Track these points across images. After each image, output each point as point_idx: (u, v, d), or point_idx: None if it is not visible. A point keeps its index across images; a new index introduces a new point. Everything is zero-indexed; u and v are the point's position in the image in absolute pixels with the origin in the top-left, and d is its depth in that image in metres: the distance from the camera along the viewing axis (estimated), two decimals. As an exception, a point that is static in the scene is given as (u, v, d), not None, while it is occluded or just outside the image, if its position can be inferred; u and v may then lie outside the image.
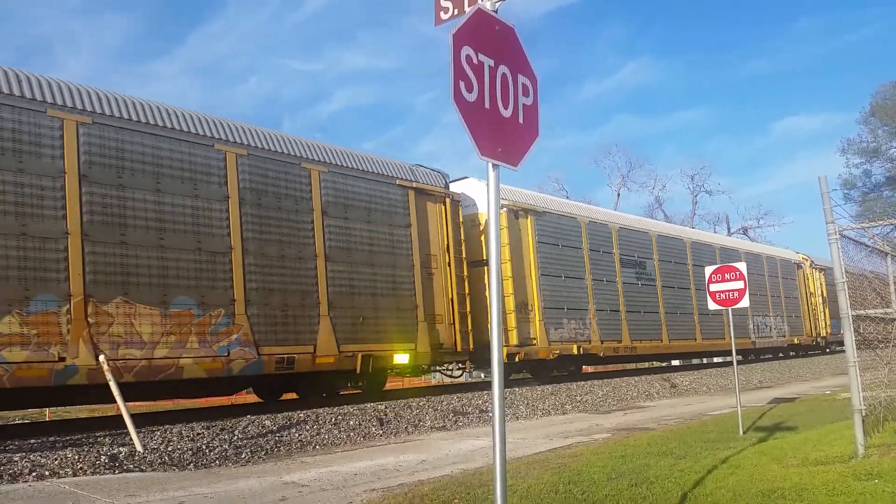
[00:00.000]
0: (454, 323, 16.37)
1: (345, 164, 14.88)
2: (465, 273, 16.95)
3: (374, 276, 14.76)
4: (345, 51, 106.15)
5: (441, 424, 12.82)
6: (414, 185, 16.14)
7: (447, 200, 16.82)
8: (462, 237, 17.17)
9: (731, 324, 10.55)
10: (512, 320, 17.92)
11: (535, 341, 18.54)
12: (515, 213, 18.40)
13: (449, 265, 16.49)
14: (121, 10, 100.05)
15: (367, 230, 14.91)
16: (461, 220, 17.26)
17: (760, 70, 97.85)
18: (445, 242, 16.52)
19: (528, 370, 20.89)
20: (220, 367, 12.08)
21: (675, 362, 33.03)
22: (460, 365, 18.29)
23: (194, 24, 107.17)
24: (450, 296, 16.35)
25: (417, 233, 15.92)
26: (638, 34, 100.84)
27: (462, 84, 2.92)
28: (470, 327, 16.74)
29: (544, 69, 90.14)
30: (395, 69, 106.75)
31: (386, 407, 13.17)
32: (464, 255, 17.09)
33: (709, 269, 10.54)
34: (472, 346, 16.70)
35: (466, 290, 16.81)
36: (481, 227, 18.02)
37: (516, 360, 18.15)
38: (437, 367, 17.93)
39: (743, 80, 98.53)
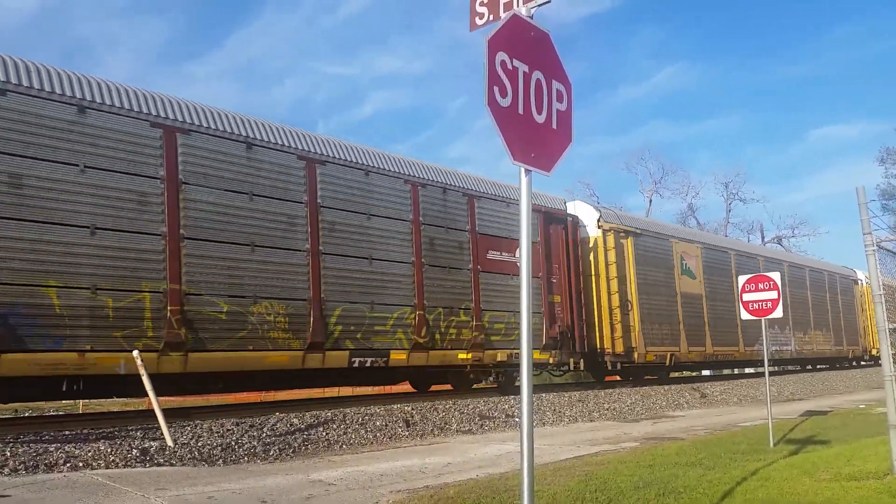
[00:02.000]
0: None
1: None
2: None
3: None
4: (379, 54, 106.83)
5: (467, 428, 12.81)
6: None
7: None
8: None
9: (765, 334, 10.40)
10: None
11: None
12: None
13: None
14: (159, 12, 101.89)
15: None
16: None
17: (798, 76, 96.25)
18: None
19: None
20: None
21: (706, 372, 32.73)
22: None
23: (231, 27, 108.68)
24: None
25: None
26: (673, 38, 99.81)
27: (496, 89, 2.93)
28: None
29: (578, 74, 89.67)
30: (427, 73, 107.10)
31: (412, 409, 13.21)
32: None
33: (742, 279, 10.41)
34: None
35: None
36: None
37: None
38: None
39: (780, 86, 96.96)
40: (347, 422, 11.72)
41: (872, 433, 10.63)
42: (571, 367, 19.90)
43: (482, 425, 13.13)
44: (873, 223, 6.67)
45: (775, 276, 10.08)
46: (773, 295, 9.89)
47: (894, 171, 51.65)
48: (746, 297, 10.15)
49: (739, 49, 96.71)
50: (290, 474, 8.10)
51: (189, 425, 10.43)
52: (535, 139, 3.14)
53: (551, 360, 18.31)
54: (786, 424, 12.55)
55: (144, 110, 11.36)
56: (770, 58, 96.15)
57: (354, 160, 14.35)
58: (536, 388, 19.94)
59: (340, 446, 10.69)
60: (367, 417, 12.12)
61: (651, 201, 55.33)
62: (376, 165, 14.73)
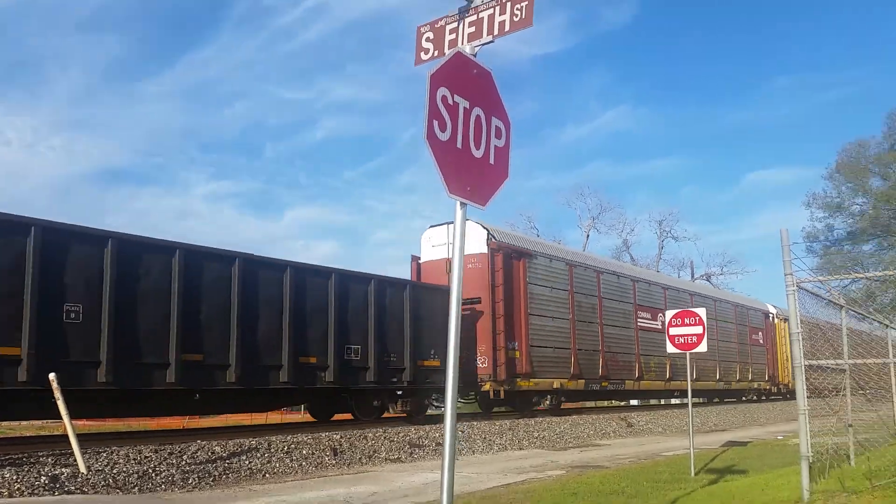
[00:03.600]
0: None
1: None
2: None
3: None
4: (334, 81, 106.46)
5: (396, 456, 12.67)
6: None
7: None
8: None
9: (689, 367, 10.70)
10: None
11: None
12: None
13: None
14: (114, 30, 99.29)
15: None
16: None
17: (737, 123, 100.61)
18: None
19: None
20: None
21: (634, 402, 33.35)
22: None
23: (186, 48, 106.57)
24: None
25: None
26: (619, 83, 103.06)
27: (436, 123, 2.95)
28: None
29: (527, 111, 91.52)
30: (382, 102, 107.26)
31: (341, 437, 12.98)
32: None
33: (669, 314, 10.71)
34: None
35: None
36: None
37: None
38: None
39: (719, 131, 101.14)
40: (272, 450, 11.42)
41: (788, 463, 11.01)
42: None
43: (412, 454, 13.01)
44: (795, 264, 6.99)
45: (701, 311, 10.41)
46: (698, 330, 10.20)
47: (818, 215, 54.28)
48: (673, 331, 10.44)
49: (682, 95, 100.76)
50: (209, 504, 7.82)
51: (105, 451, 9.96)
52: (472, 173, 3.16)
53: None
54: (707, 454, 12.88)
55: (566, 258, 22.75)
56: (711, 105, 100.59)
57: (590, 265, 24.03)
58: (469, 417, 19.91)
59: (264, 475, 10.39)
60: (293, 446, 11.83)
61: (588, 236, 56.59)
62: (603, 268, 24.70)
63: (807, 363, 6.98)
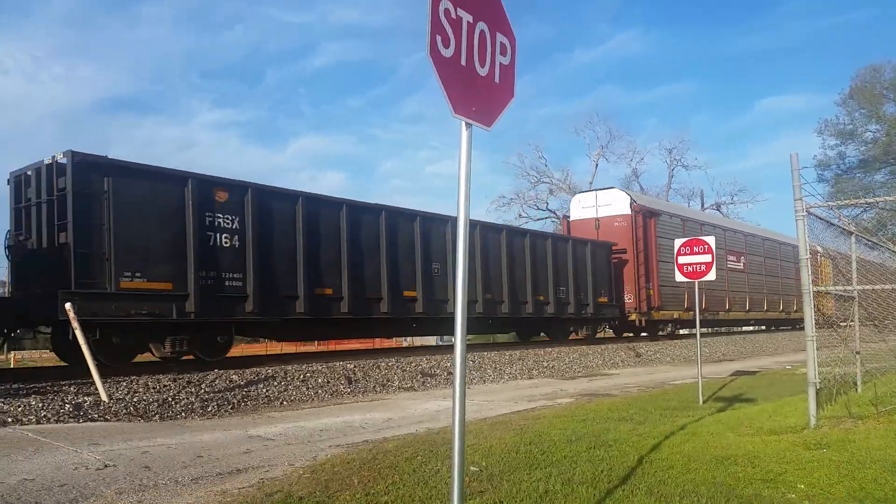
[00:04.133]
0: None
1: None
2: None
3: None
4: (335, 4, 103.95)
5: (409, 385, 12.94)
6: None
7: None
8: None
9: (697, 295, 10.72)
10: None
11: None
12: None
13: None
14: None
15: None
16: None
17: (749, 47, 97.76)
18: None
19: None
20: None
21: (722, 329, 35.60)
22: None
23: None
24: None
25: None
26: (631, 3, 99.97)
27: (439, 39, 2.87)
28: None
29: (534, 35, 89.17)
30: (385, 26, 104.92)
31: (355, 366, 13.24)
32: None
33: (678, 242, 10.66)
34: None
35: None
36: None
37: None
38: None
39: (731, 55, 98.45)
40: (288, 378, 11.69)
41: (795, 391, 11.14)
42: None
43: (424, 382, 13.27)
44: (805, 190, 6.90)
45: (710, 240, 10.35)
46: (707, 258, 10.17)
47: (830, 143, 53.22)
48: (682, 259, 10.41)
49: (695, 18, 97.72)
50: (227, 430, 8.06)
51: (125, 381, 10.23)
52: (477, 92, 3.10)
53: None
54: (716, 383, 13.05)
55: (680, 215, 28.14)
56: (724, 28, 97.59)
57: (695, 218, 30.16)
58: (480, 347, 20.24)
59: (281, 403, 10.67)
60: (308, 374, 12.10)
61: (597, 165, 55.96)
62: (703, 220, 30.61)
63: (815, 289, 6.98)
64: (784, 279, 35.72)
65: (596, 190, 27.66)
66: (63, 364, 13.06)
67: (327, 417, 9.11)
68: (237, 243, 12.77)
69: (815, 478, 5.10)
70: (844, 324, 8.65)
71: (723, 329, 34.05)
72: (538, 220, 55.22)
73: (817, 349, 7.26)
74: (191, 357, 13.29)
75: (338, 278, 14.53)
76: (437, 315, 16.54)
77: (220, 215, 12.61)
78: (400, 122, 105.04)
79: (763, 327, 37.28)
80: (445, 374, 14.06)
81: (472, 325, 18.04)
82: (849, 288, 8.12)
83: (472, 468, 5.50)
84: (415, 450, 6.36)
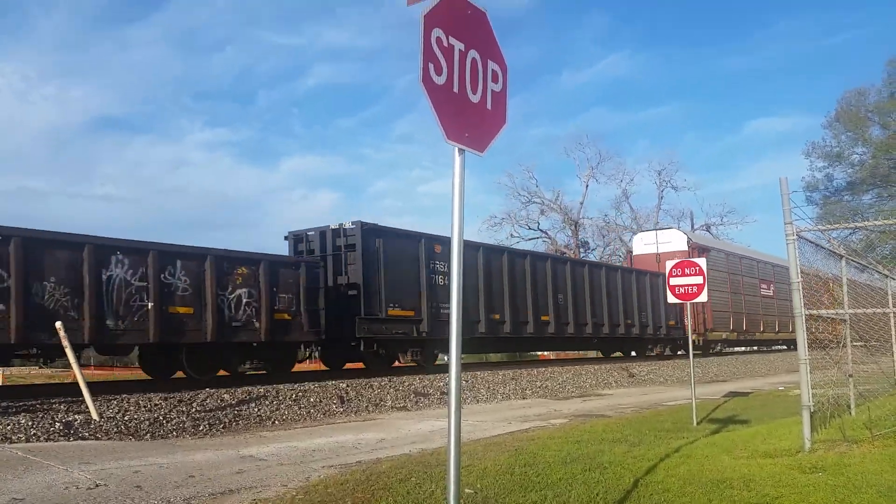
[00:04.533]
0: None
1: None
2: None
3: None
4: (326, 26, 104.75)
5: (402, 405, 12.89)
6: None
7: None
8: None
9: (689, 315, 10.75)
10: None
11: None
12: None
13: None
14: None
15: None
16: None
17: (737, 68, 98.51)
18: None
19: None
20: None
21: (754, 348, 37.94)
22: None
23: None
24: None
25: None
26: (619, 26, 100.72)
27: (431, 66, 2.91)
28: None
29: (524, 57, 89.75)
30: (375, 48, 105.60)
31: (347, 385, 13.20)
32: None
33: (669, 264, 10.70)
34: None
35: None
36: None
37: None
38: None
39: (719, 77, 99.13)
40: (280, 398, 11.64)
41: (789, 413, 11.14)
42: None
43: (417, 402, 13.23)
44: (795, 213, 6.95)
45: (701, 262, 10.40)
46: (698, 280, 10.21)
47: (818, 165, 53.56)
48: (673, 281, 10.45)
49: (683, 39, 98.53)
50: (220, 450, 8.01)
51: (115, 399, 10.18)
52: (470, 119, 3.14)
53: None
54: (709, 404, 13.05)
55: (725, 250, 34.29)
56: (712, 49, 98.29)
57: (735, 252, 35.12)
58: (473, 366, 20.20)
59: (273, 422, 10.62)
60: (300, 394, 12.05)
61: (588, 186, 56.19)
62: (741, 254, 35.83)
63: (807, 313, 7.01)
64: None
65: (656, 230, 34.31)
66: (59, 382, 12.91)
67: (320, 437, 9.07)
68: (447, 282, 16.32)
69: (811, 502, 5.10)
70: (834, 345, 8.69)
71: (754, 348, 38.92)
72: (530, 239, 55.41)
73: (810, 371, 7.28)
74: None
75: (502, 307, 19.28)
76: (562, 335, 22.07)
77: (439, 262, 17.48)
78: (392, 143, 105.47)
79: (765, 347, 40.33)
80: (439, 393, 14.02)
81: (577, 343, 26.01)
82: (840, 312, 8.16)
83: (466, 490, 5.48)
84: (409, 471, 6.34)
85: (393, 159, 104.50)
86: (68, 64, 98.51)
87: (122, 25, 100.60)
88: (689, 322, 10.67)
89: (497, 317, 19.00)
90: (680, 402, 13.83)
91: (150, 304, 11.77)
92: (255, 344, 13.78)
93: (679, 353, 29.28)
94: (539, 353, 32.22)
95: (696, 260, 10.42)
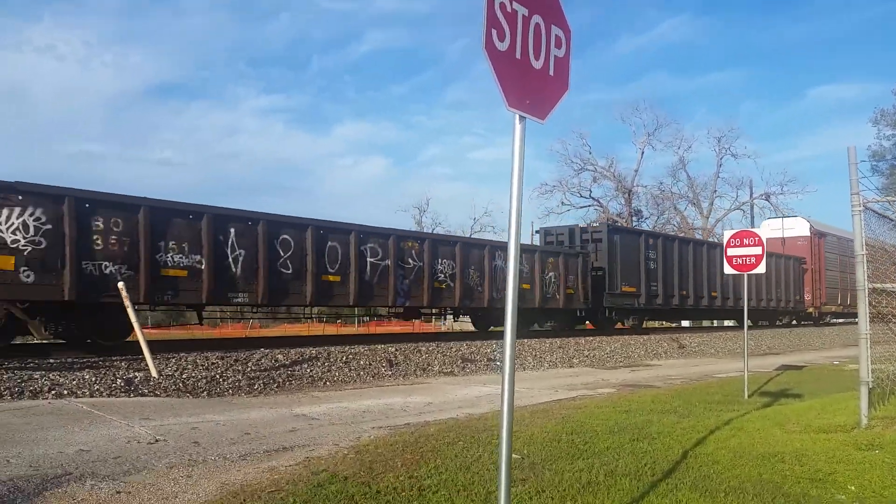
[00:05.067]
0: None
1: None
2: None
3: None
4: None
5: (449, 370, 13.02)
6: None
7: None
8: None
9: (746, 288, 10.53)
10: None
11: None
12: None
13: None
14: None
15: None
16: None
17: (802, 33, 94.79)
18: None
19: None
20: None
21: (685, 323, 33.64)
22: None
23: None
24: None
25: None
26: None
27: (494, 32, 2.87)
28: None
29: (580, 20, 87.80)
30: (427, 13, 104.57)
31: (396, 349, 13.37)
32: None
33: (727, 234, 10.47)
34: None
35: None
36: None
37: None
38: None
39: (782, 42, 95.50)
40: (332, 360, 11.87)
41: (844, 388, 10.89)
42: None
43: (464, 367, 13.34)
44: (861, 184, 6.70)
45: (761, 232, 10.14)
46: (757, 251, 9.96)
47: (886, 133, 51.36)
48: (731, 251, 10.23)
49: (746, 4, 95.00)
50: (273, 408, 8.24)
51: (174, 358, 10.52)
52: (532, 85, 3.09)
53: None
54: (761, 377, 12.84)
55: (836, 234, 37.54)
56: (775, 14, 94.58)
57: (842, 236, 36.17)
58: (519, 335, 20.22)
59: (324, 383, 10.85)
60: (350, 356, 12.27)
61: (643, 153, 55.04)
62: (842, 236, 36.22)
63: (870, 286, 6.80)
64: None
65: (782, 217, 39.49)
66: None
67: (369, 399, 9.25)
68: (656, 266, 23.99)
69: (867, 479, 5.00)
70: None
71: (839, 320, 40.60)
72: (581, 207, 54.77)
73: (870, 346, 7.08)
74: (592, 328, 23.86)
75: (687, 284, 25.43)
76: (724, 307, 27.88)
77: (650, 251, 23.68)
78: (443, 109, 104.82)
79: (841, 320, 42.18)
80: (485, 360, 14.11)
81: (732, 314, 29.96)
82: (906, 285, 7.88)
83: (513, 456, 5.53)
84: (456, 435, 6.42)
85: (444, 126, 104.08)
86: (127, 30, 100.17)
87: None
88: (745, 293, 10.43)
89: (684, 293, 25.39)
90: (731, 374, 13.64)
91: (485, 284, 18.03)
92: (554, 309, 20.48)
93: (804, 322, 35.72)
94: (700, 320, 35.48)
95: (756, 230, 10.15)
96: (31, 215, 10.23)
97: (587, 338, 19.23)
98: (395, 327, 31.59)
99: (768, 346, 23.91)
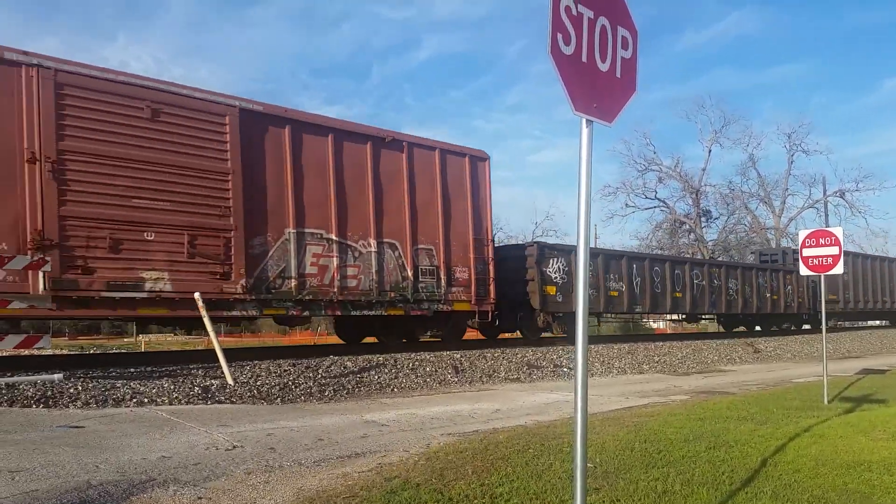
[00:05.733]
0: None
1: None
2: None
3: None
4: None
5: (515, 376, 12.96)
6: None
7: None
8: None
9: (823, 289, 10.15)
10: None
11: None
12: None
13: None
14: None
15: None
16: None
17: (870, 22, 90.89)
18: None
19: None
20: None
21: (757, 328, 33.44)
22: None
23: None
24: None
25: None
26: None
27: (560, 36, 2.86)
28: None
29: (642, 17, 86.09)
30: (484, 17, 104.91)
31: (461, 356, 13.39)
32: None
33: (803, 234, 10.11)
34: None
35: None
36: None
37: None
38: None
39: (852, 32, 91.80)
40: (398, 366, 11.98)
41: (933, 394, 10.37)
42: None
43: (530, 374, 13.26)
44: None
45: (837, 231, 9.76)
46: (833, 251, 9.59)
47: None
48: (807, 252, 9.87)
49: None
50: (344, 414, 8.36)
51: (248, 365, 10.81)
52: (598, 89, 3.06)
53: None
54: (841, 382, 12.33)
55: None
56: (843, 3, 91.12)
57: None
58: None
59: (392, 390, 10.95)
60: (417, 363, 12.36)
61: (710, 151, 53.60)
62: None
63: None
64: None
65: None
66: (193, 349, 13.89)
67: (437, 406, 9.28)
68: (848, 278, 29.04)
69: (962, 490, 4.75)
70: None
71: None
72: (646, 209, 53.75)
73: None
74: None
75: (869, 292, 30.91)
76: (856, 310, 30.41)
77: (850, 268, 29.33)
78: (501, 113, 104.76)
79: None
80: (552, 366, 13.99)
81: (869, 315, 33.74)
82: None
83: (587, 464, 5.46)
84: (526, 442, 6.38)
85: (502, 130, 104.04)
86: (195, 45, 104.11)
87: (243, 5, 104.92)
88: (822, 294, 10.05)
89: (833, 297, 28.25)
90: (809, 379, 13.14)
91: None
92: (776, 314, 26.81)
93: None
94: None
95: (832, 229, 9.77)
96: (558, 262, 17.36)
97: (657, 343, 18.83)
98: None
99: (847, 349, 22.94)
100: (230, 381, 9.78)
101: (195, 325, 12.24)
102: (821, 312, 10.14)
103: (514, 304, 16.85)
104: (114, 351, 25.19)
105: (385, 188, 13.69)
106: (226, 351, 10.94)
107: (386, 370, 11.67)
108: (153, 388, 9.10)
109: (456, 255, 14.84)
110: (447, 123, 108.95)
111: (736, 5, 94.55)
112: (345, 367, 11.42)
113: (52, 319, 17.99)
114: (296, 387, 10.12)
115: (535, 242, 18.57)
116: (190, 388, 9.37)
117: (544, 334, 18.06)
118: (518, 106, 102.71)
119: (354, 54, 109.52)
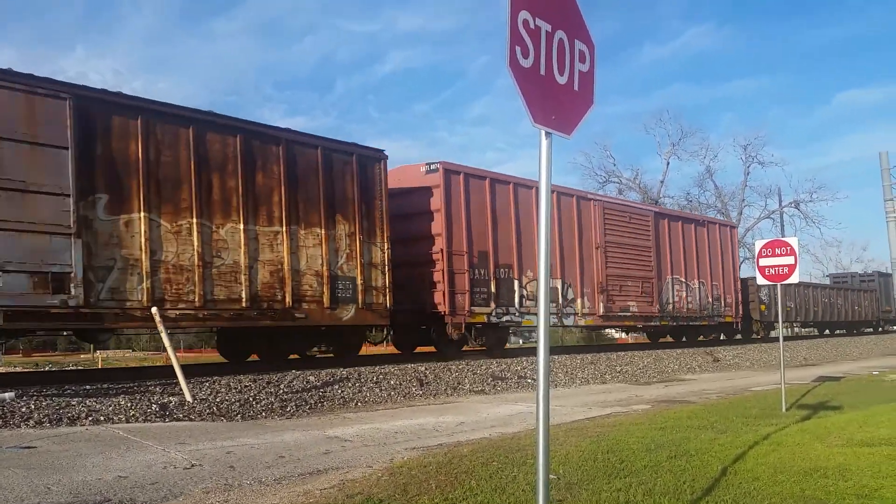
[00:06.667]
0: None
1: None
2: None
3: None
4: (401, 11, 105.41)
5: (480, 388, 12.94)
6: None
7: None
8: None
9: (780, 299, 10.35)
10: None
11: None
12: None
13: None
14: None
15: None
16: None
17: (826, 38, 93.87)
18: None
19: None
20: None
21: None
22: None
23: None
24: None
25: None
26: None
27: (518, 49, 2.88)
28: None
29: (604, 32, 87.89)
30: (449, 31, 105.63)
31: (426, 368, 13.34)
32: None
33: (759, 244, 10.32)
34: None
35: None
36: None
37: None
38: None
39: (807, 49, 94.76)
40: (362, 380, 11.88)
41: (886, 399, 10.63)
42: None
43: (495, 386, 13.26)
44: (895, 190, 6.57)
45: (793, 241, 9.98)
46: (789, 260, 9.79)
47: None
48: (763, 262, 10.07)
49: (769, 11, 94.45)
50: (306, 430, 8.25)
51: (207, 381, 10.60)
52: (557, 101, 3.09)
53: None
54: (798, 389, 12.57)
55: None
56: (797, 20, 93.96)
57: None
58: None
59: (356, 404, 10.84)
60: (381, 376, 12.26)
61: (668, 163, 54.61)
62: None
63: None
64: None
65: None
66: (151, 365, 13.62)
67: (401, 419, 9.22)
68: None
69: (915, 494, 4.86)
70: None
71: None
72: (608, 220, 54.30)
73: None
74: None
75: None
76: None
77: None
78: (465, 126, 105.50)
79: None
80: (516, 377, 14.01)
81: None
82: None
83: (549, 476, 5.46)
84: (490, 455, 6.37)
85: (466, 142, 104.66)
86: (155, 58, 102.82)
87: (207, 18, 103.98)
88: (780, 304, 10.26)
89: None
90: (767, 387, 13.38)
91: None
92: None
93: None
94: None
95: (788, 239, 9.99)
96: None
97: (619, 353, 19.01)
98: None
99: (804, 357, 23.45)
100: (189, 397, 9.58)
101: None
102: (777, 322, 10.34)
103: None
104: (70, 367, 24.55)
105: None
106: (185, 367, 10.73)
107: (349, 384, 11.56)
108: (109, 406, 8.87)
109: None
110: (411, 136, 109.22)
111: (694, 22, 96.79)
112: (307, 382, 11.28)
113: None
114: (257, 403, 9.96)
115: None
116: (147, 405, 9.16)
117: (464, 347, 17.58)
118: (481, 119, 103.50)
119: (318, 67, 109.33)
